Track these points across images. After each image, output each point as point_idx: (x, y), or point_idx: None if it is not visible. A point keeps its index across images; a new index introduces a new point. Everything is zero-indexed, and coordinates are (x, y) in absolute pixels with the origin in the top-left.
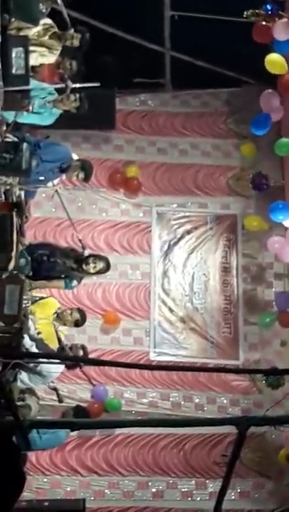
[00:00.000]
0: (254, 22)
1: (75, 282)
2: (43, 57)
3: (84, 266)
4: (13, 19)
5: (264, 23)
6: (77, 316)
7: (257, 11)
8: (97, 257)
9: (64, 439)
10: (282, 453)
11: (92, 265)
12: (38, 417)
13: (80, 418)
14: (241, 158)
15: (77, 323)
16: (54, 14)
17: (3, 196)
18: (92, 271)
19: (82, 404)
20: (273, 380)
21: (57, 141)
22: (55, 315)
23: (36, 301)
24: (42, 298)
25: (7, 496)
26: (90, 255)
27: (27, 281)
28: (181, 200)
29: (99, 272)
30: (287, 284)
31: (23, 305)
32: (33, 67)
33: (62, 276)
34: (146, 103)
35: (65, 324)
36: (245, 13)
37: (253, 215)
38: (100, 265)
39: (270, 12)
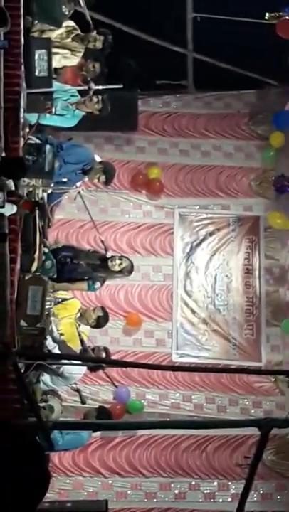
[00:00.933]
0: (275, 24)
1: (98, 284)
2: (65, 59)
3: (109, 263)
4: (36, 21)
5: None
6: (99, 311)
7: (278, 13)
8: (121, 257)
9: (86, 440)
10: None
11: (118, 261)
12: (61, 419)
13: (102, 419)
14: (263, 159)
15: (99, 321)
16: (77, 16)
17: (26, 198)
18: (117, 268)
19: (104, 405)
20: None
21: (79, 143)
22: (78, 314)
23: (59, 302)
24: (65, 299)
25: (32, 495)
26: (114, 256)
27: (50, 283)
28: (203, 202)
29: (124, 270)
30: None
31: (46, 306)
32: (56, 70)
33: (86, 278)
34: (169, 105)
35: (88, 322)
36: (267, 14)
37: (277, 212)
38: (126, 263)
39: None
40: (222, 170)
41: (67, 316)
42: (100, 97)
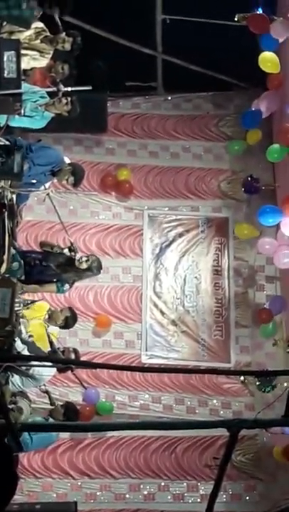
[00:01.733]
0: (245, 25)
1: (67, 286)
2: (34, 60)
3: (76, 262)
4: (4, 23)
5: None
6: (67, 313)
7: (248, 14)
8: (89, 256)
9: (55, 438)
10: (276, 450)
11: (84, 259)
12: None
13: (69, 415)
14: (232, 161)
15: (68, 321)
16: (46, 18)
17: None
18: (84, 266)
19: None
20: (266, 385)
21: (49, 145)
22: (47, 315)
23: (28, 304)
24: (34, 301)
25: (1, 495)
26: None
27: (19, 285)
28: (172, 204)
29: (92, 267)
30: (279, 286)
31: (15, 308)
32: (25, 71)
33: (54, 280)
34: (138, 106)
35: (56, 323)
36: (236, 16)
37: (244, 223)
38: (92, 259)
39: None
40: (191, 171)
41: (35, 317)
42: (69, 99)
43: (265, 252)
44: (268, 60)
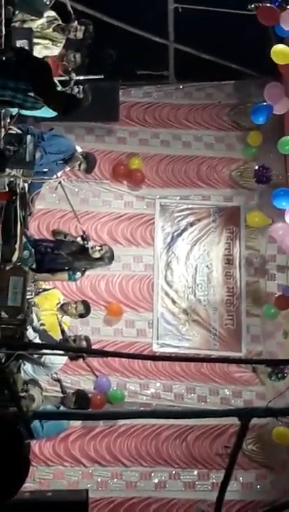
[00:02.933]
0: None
1: (78, 274)
2: (46, 49)
3: (90, 250)
4: (17, 11)
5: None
6: (81, 309)
7: (260, 4)
8: (102, 245)
9: (66, 425)
10: (276, 431)
11: (98, 248)
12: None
13: (81, 403)
14: (244, 150)
15: (82, 315)
16: (58, 6)
17: (6, 188)
18: (97, 255)
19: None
20: (277, 374)
21: (60, 133)
22: (58, 305)
23: (40, 292)
24: (45, 290)
25: (12, 481)
26: (94, 245)
27: (30, 273)
28: (184, 193)
29: (104, 257)
30: None
31: (27, 297)
32: None
33: (66, 268)
34: (150, 95)
35: (69, 316)
36: (249, 6)
37: (255, 211)
38: (106, 248)
39: (275, 5)
40: (203, 160)
41: (47, 308)
42: (81, 87)
43: (279, 237)
44: (279, 52)
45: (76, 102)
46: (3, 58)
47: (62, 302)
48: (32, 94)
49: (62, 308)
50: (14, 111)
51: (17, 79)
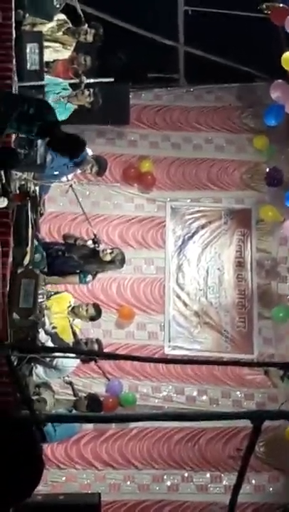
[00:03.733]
0: (268, 16)
1: (89, 277)
2: (57, 52)
3: (100, 253)
4: (27, 15)
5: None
6: (92, 311)
7: (271, 4)
8: (113, 248)
9: (78, 429)
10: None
11: (109, 251)
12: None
13: (93, 407)
14: (255, 152)
15: (93, 318)
16: (68, 10)
17: (18, 191)
18: (108, 258)
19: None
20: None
21: None
22: (69, 308)
23: (51, 295)
24: (57, 292)
25: (26, 483)
26: (106, 247)
27: (41, 276)
28: (195, 195)
29: (115, 260)
30: None
31: (38, 299)
32: (48, 63)
33: (77, 271)
34: (160, 98)
35: (80, 319)
36: (260, 6)
37: (268, 205)
38: (116, 252)
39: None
40: (214, 163)
41: (58, 311)
42: (91, 90)
43: None
44: None
45: (80, 144)
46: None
47: (73, 305)
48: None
49: (74, 311)
50: None
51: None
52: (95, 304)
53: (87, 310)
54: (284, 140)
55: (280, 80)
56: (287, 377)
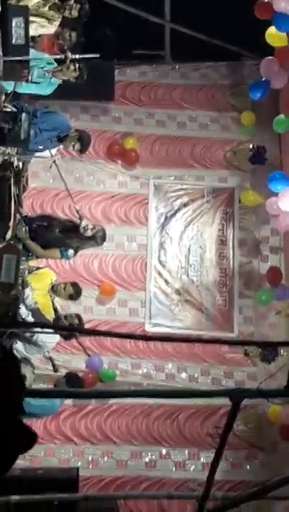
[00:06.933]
0: None
1: (71, 251)
2: (42, 27)
3: (81, 229)
4: None
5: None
6: (70, 290)
7: None
8: (95, 225)
9: (58, 406)
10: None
11: (90, 227)
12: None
13: (72, 384)
14: (239, 131)
15: (72, 297)
16: None
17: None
18: (89, 233)
19: (74, 372)
20: (267, 354)
21: (54, 110)
22: (51, 286)
23: (33, 271)
24: (38, 268)
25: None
26: (87, 224)
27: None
28: (178, 173)
29: (96, 236)
30: (282, 258)
31: (20, 275)
32: (33, 38)
33: (58, 245)
34: (146, 75)
35: (60, 297)
36: None
37: (250, 190)
38: (98, 228)
39: None
40: (197, 141)
41: (40, 288)
42: (76, 65)
43: (273, 212)
44: (273, 35)
45: None
46: None
47: (53, 283)
48: None
49: (53, 289)
50: (9, 88)
51: None
52: (73, 283)
53: (64, 287)
54: (267, 119)
55: (269, 57)
56: (266, 359)
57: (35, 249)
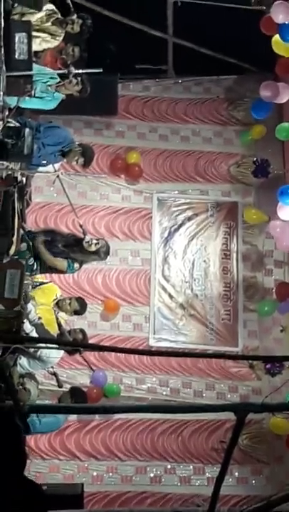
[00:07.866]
0: (260, 10)
1: (76, 265)
2: (45, 42)
3: (85, 244)
4: (16, 4)
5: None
6: (76, 305)
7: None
8: (98, 239)
9: (63, 422)
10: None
11: (94, 242)
12: (38, 402)
13: (77, 400)
14: (242, 145)
15: (77, 312)
16: (57, 0)
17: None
18: (93, 248)
19: (78, 387)
20: (272, 368)
21: (58, 124)
22: (55, 301)
23: (37, 286)
24: (42, 283)
25: (9, 474)
26: (91, 238)
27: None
28: (182, 187)
29: (100, 251)
30: (287, 271)
31: (24, 290)
32: (36, 53)
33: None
34: (149, 89)
35: (65, 313)
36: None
37: (253, 208)
38: (102, 243)
39: None
40: (201, 155)
41: (44, 303)
42: (79, 79)
43: (276, 234)
44: (281, 43)
45: None
46: None
47: (58, 298)
48: None
49: (58, 305)
50: (12, 103)
51: None
52: (78, 298)
53: (70, 303)
54: (270, 133)
55: (269, 81)
56: (270, 372)
57: (47, 256)
